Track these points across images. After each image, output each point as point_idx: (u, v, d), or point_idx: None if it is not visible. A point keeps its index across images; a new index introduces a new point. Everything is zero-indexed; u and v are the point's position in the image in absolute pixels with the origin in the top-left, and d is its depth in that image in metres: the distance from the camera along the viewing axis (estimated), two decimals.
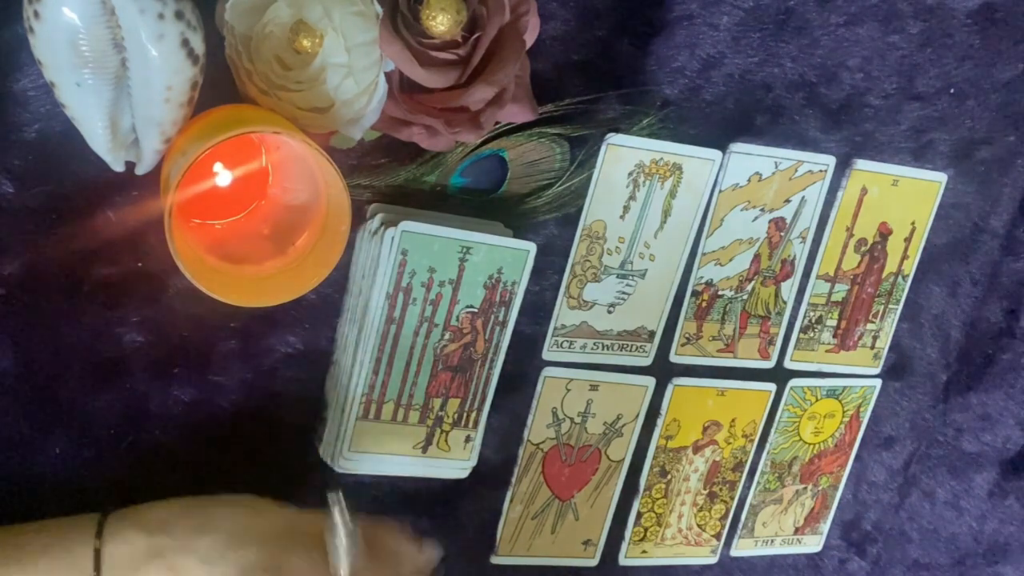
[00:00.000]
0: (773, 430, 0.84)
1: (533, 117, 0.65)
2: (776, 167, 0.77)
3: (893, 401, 0.90)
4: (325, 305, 0.68)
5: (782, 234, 0.79)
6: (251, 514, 0.59)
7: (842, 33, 0.75)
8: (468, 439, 0.72)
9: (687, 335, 0.79)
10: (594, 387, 0.76)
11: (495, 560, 0.78)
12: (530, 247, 0.68)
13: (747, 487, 0.86)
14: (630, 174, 0.72)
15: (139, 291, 0.63)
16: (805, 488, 0.88)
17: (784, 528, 0.89)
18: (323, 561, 0.58)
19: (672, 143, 0.72)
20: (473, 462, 0.73)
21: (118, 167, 0.57)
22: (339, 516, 0.58)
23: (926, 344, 0.89)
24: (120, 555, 0.56)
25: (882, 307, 0.85)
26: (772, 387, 0.83)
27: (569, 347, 0.75)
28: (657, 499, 0.82)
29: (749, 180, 0.76)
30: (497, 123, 0.65)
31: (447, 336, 0.68)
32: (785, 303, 0.81)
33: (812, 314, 0.83)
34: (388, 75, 0.59)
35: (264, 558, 0.57)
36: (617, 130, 0.70)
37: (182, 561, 0.56)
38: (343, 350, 0.68)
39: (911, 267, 0.85)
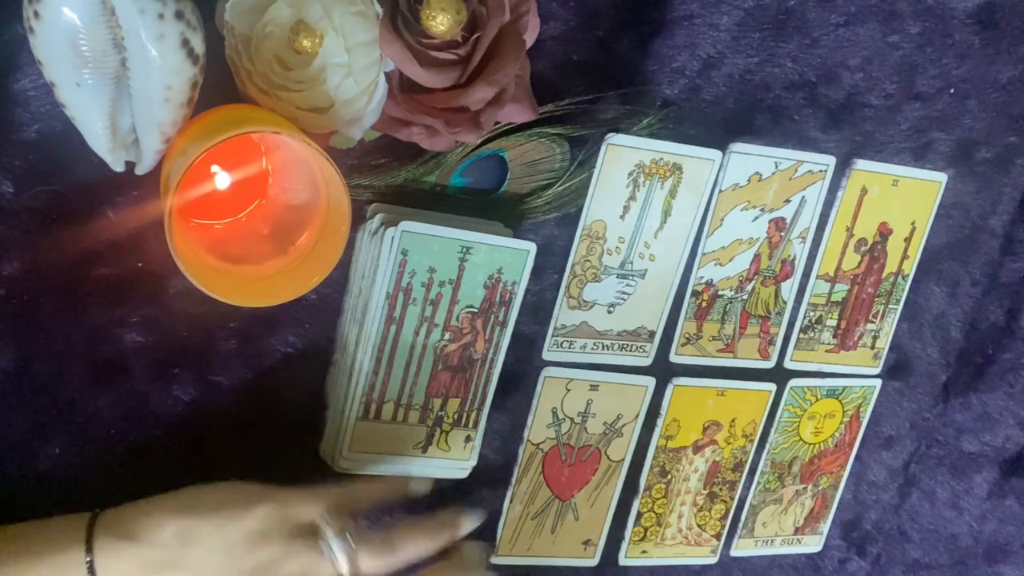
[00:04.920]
0: (773, 430, 0.84)
1: (533, 117, 0.65)
2: (776, 167, 0.77)
3: (893, 401, 0.90)
4: (325, 305, 0.68)
5: (782, 234, 0.79)
6: (236, 517, 0.59)
7: (842, 33, 0.75)
8: (468, 439, 0.72)
9: (687, 335, 0.79)
10: (594, 387, 0.76)
11: (495, 560, 0.78)
12: (530, 247, 0.68)
13: (747, 487, 0.86)
14: (630, 174, 0.72)
15: (139, 291, 0.63)
16: (805, 488, 0.88)
17: (784, 528, 0.89)
18: (310, 550, 0.59)
19: (672, 143, 0.72)
20: (473, 462, 0.73)
21: (118, 167, 0.57)
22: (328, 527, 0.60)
23: (926, 344, 0.89)
24: (114, 570, 0.57)
25: (882, 307, 0.85)
26: (772, 387, 0.83)
27: (569, 347, 0.75)
28: (657, 499, 0.82)
29: (749, 180, 0.76)
30: (497, 123, 0.65)
31: (447, 336, 0.68)
32: (785, 303, 0.81)
33: (812, 314, 0.83)
34: (388, 75, 0.59)
35: (252, 567, 0.58)
36: (617, 130, 0.70)
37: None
38: (343, 350, 0.68)
39: (911, 267, 0.85)
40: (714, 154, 0.74)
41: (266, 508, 0.59)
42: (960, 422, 0.95)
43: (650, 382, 0.78)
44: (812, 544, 0.91)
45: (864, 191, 0.81)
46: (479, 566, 0.66)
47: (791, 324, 0.82)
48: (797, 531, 0.90)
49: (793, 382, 0.84)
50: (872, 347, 0.86)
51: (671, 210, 0.74)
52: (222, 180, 0.61)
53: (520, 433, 0.76)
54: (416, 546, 0.62)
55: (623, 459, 0.79)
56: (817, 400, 0.86)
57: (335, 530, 0.59)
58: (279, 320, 0.67)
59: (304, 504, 0.61)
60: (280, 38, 0.56)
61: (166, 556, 0.58)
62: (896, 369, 0.89)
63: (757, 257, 0.79)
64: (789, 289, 0.81)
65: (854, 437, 0.89)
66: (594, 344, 0.76)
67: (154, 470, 0.66)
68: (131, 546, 0.58)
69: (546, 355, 0.75)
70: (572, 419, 0.77)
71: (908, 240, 0.84)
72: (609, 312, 0.75)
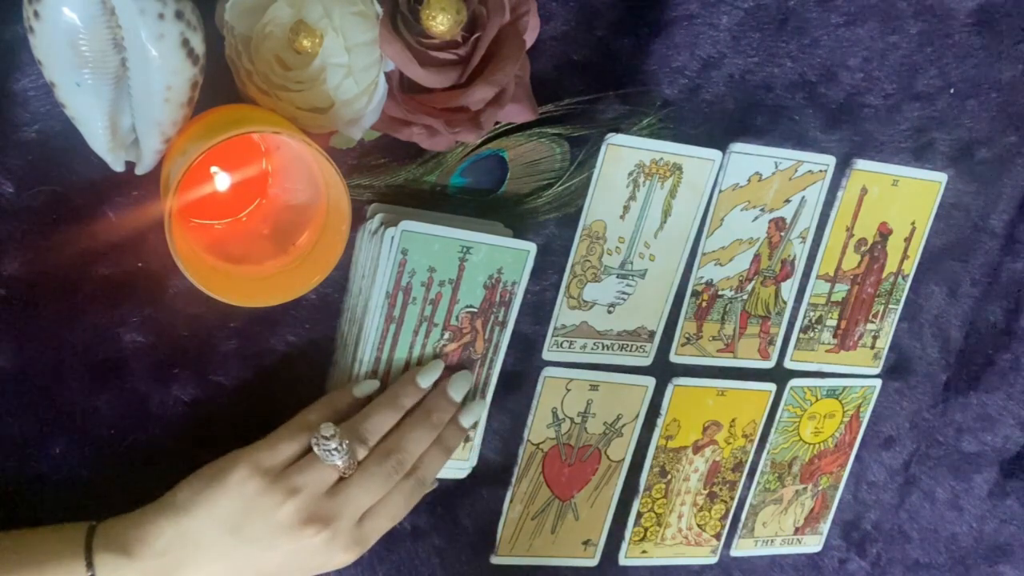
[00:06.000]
0: (773, 430, 0.84)
1: (533, 117, 0.65)
2: (776, 167, 0.77)
3: (893, 401, 0.90)
4: (325, 305, 0.68)
5: (782, 234, 0.79)
6: (219, 496, 0.60)
7: (842, 33, 0.75)
8: (468, 439, 0.72)
9: (687, 335, 0.79)
10: (594, 387, 0.76)
11: (495, 560, 0.78)
12: (530, 247, 0.68)
13: (747, 487, 0.86)
14: (630, 174, 0.72)
15: (139, 291, 0.63)
16: (805, 488, 0.88)
17: (784, 528, 0.89)
18: (305, 472, 0.61)
19: (672, 143, 0.72)
20: (473, 462, 0.73)
21: (118, 167, 0.57)
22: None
23: (926, 344, 0.89)
24: None
25: (882, 307, 0.85)
26: (772, 387, 0.83)
27: (569, 347, 0.75)
28: (657, 499, 0.82)
29: (749, 180, 0.76)
30: (497, 123, 0.65)
31: (447, 336, 0.68)
32: (785, 303, 0.81)
33: (812, 314, 0.83)
34: (388, 75, 0.59)
35: (259, 527, 0.60)
36: (617, 130, 0.70)
37: None
38: (343, 350, 0.68)
39: (911, 267, 0.85)
40: (714, 154, 0.74)
41: (241, 471, 0.61)
42: (960, 422, 0.95)
43: (650, 382, 0.78)
44: (812, 544, 0.91)
45: (864, 191, 0.81)
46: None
47: (791, 324, 0.82)
48: (797, 531, 0.90)
49: (793, 382, 0.84)
50: (872, 347, 0.86)
51: (671, 210, 0.74)
52: (222, 180, 0.61)
53: (520, 433, 0.76)
54: (382, 418, 0.64)
55: (623, 459, 0.80)
56: (817, 400, 0.86)
57: (325, 435, 0.60)
58: (279, 320, 0.67)
59: (274, 447, 0.62)
60: (280, 38, 0.56)
61: (168, 562, 0.59)
62: (896, 369, 0.89)
63: (757, 257, 0.79)
64: (789, 289, 0.81)
65: (854, 437, 0.89)
66: (594, 344, 0.76)
67: (154, 470, 0.65)
68: (132, 562, 0.58)
69: (546, 355, 0.75)
70: (572, 419, 0.77)
71: (908, 240, 0.84)
72: (609, 312, 0.75)
